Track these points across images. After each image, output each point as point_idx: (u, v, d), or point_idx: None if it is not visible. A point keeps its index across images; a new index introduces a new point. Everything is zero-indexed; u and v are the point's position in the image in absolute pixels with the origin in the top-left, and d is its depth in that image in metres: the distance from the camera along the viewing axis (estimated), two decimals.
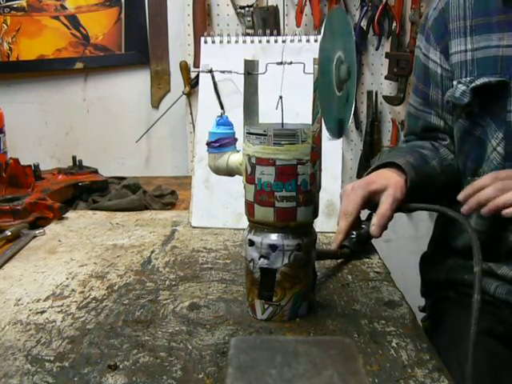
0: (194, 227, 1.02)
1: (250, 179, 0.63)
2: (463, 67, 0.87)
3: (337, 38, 0.61)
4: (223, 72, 0.65)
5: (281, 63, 0.62)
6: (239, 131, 0.66)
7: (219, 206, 1.02)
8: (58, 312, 0.67)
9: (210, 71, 0.69)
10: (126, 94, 1.85)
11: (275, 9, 1.74)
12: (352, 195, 0.80)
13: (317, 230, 0.67)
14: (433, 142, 0.97)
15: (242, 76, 0.64)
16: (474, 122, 0.86)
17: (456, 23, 0.88)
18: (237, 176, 0.67)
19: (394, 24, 1.77)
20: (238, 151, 0.66)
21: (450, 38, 0.89)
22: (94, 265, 0.84)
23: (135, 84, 1.85)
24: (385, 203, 0.78)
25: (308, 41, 1.01)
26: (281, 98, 0.62)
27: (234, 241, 0.95)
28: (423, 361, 0.56)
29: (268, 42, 1.03)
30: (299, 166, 0.60)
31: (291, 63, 0.62)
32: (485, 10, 0.85)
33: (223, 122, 0.66)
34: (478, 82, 0.83)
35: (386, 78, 1.81)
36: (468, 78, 0.86)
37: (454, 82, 0.88)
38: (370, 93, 1.84)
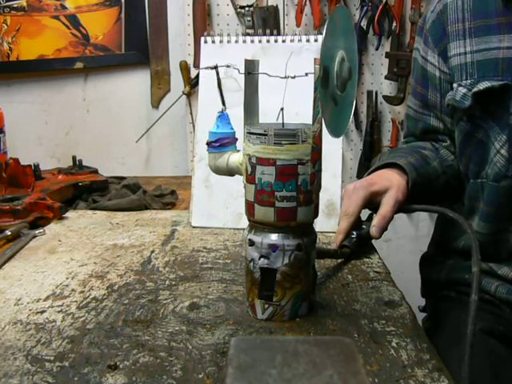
0: (194, 227, 1.02)
1: (250, 179, 0.63)
2: (463, 70, 0.86)
3: (339, 36, 0.61)
4: (228, 66, 0.65)
5: (284, 77, 0.63)
6: (240, 129, 0.66)
7: (219, 206, 1.02)
8: (58, 312, 0.67)
9: (215, 67, 0.69)
10: (126, 93, 1.86)
11: (275, 9, 1.74)
12: (353, 196, 0.80)
13: (317, 229, 0.67)
14: (433, 143, 0.96)
15: (243, 74, 0.64)
16: (475, 124, 0.86)
17: (455, 25, 0.87)
18: (237, 176, 0.67)
19: (394, 24, 1.77)
20: (238, 151, 0.66)
21: (449, 40, 0.88)
22: (93, 265, 0.84)
23: (135, 84, 1.85)
24: (386, 205, 0.78)
25: (308, 41, 1.01)
26: (282, 109, 0.63)
27: (233, 241, 0.95)
28: (423, 361, 0.56)
29: (268, 41, 1.03)
30: (299, 165, 0.60)
31: (294, 77, 0.62)
32: (484, 11, 0.84)
33: (224, 117, 0.66)
34: (481, 86, 0.82)
35: (386, 77, 1.81)
36: (469, 81, 0.85)
37: (455, 85, 0.87)
38: (370, 93, 1.85)
